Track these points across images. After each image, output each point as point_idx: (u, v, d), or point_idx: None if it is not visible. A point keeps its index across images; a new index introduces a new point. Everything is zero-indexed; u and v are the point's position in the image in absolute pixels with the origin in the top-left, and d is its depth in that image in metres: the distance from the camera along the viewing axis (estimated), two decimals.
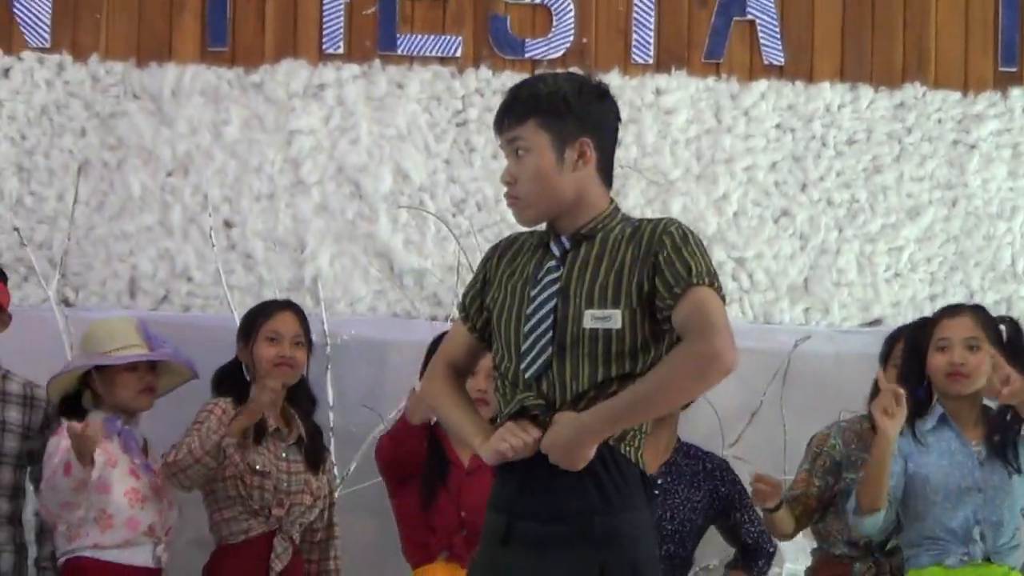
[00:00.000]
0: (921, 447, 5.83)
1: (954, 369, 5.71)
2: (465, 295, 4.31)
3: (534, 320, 3.93)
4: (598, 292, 3.89)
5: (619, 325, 3.94)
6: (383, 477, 6.06)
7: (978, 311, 5.90)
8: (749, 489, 6.12)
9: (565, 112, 4.07)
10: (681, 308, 3.86)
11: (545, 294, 3.94)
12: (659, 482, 6.07)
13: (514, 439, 4.03)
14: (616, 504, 3.99)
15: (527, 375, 3.93)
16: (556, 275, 3.95)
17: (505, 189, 4.27)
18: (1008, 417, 5.84)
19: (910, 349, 5.95)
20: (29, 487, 6.41)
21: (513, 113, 4.08)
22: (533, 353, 3.97)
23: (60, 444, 5.89)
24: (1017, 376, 5.56)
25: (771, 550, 6.28)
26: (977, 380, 5.70)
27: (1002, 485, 5.69)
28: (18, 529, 6.35)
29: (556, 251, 3.99)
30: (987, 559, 5.68)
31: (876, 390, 6.08)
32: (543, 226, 4.23)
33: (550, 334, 3.92)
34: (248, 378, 6.09)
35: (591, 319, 3.92)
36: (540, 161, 4.01)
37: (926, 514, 5.80)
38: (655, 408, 4.00)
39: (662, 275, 3.86)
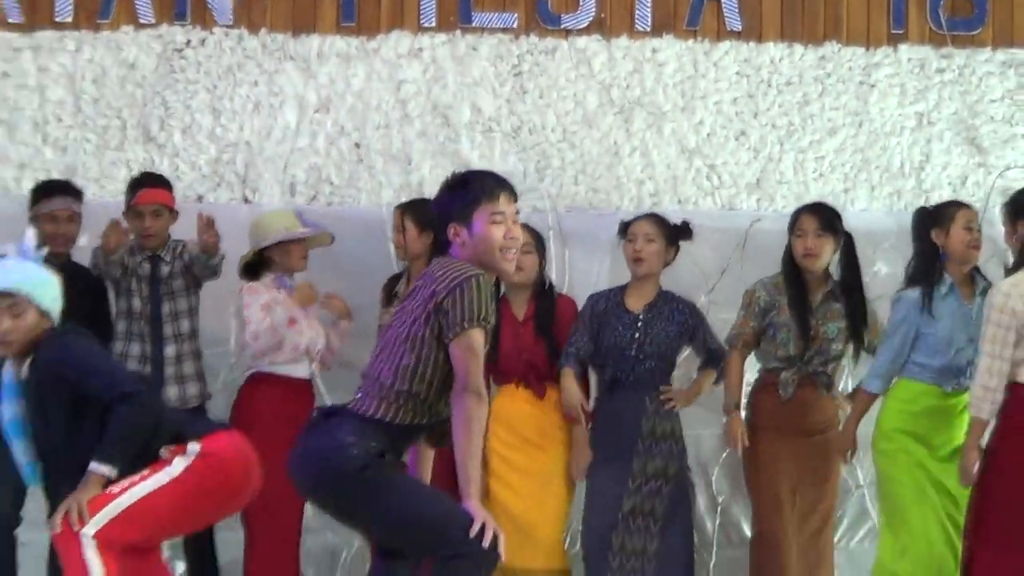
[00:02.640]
0: (930, 316, 6.69)
1: (976, 244, 6.72)
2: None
3: None
4: None
5: None
6: None
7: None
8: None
9: None
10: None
11: None
12: (641, 317, 6.97)
13: None
14: None
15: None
16: None
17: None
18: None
19: (924, 228, 6.83)
20: None
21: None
22: None
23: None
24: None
25: (721, 360, 7.05)
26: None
27: (978, 337, 6.47)
28: (199, 362, 7.27)
29: None
30: (965, 390, 6.63)
31: (789, 257, 6.93)
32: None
33: None
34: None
35: None
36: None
37: (933, 354, 6.69)
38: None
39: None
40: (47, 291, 5.70)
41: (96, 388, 5.57)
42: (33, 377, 5.68)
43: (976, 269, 6.87)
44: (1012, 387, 6.30)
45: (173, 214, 7.23)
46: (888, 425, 6.69)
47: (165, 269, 7.16)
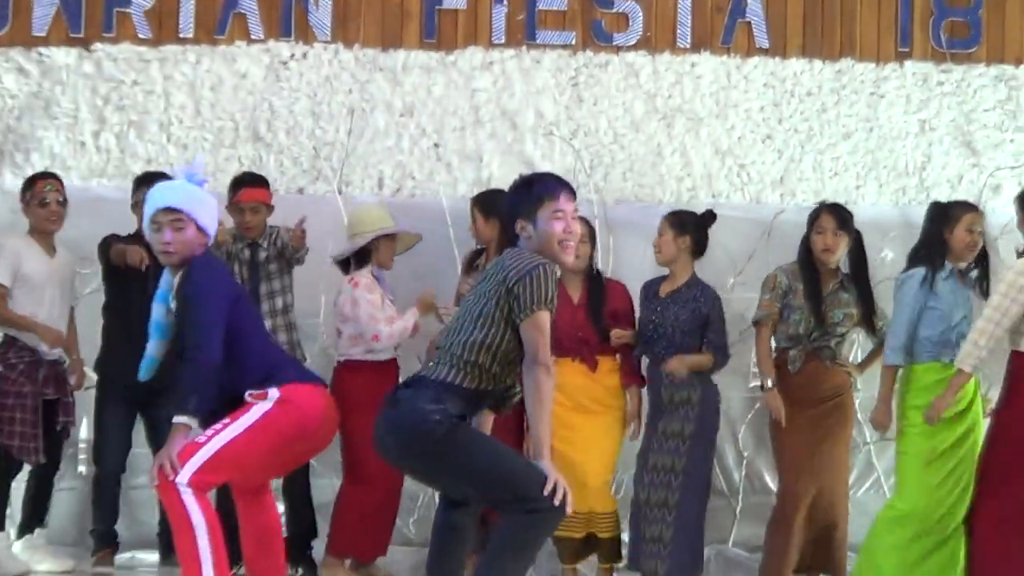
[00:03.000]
0: (934, 293, 6.92)
1: (973, 245, 7.01)
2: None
3: None
4: None
5: None
6: None
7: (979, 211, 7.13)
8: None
9: None
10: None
11: None
12: (663, 302, 7.28)
13: None
14: None
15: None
16: None
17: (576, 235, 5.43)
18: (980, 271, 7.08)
19: (933, 226, 7.07)
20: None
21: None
22: None
23: (409, 319, 7.19)
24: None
25: (721, 358, 7.27)
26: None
27: (972, 314, 6.91)
28: (292, 332, 7.67)
29: None
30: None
31: (806, 248, 7.19)
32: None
33: None
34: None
35: None
36: None
37: (935, 325, 6.95)
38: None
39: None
40: (205, 210, 5.90)
41: (186, 323, 5.78)
42: (180, 287, 5.87)
43: (978, 263, 7.15)
44: (1014, 355, 6.78)
45: (270, 209, 7.65)
46: (903, 405, 7.03)
47: (262, 255, 7.62)
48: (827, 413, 7.25)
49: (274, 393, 5.76)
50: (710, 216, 7.45)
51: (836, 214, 7.31)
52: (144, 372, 6.07)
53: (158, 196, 5.95)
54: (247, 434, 5.72)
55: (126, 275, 7.49)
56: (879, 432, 7.35)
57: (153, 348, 6.04)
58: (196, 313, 5.75)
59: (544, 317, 5.27)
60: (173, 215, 5.82)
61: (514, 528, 5.31)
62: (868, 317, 7.35)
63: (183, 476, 5.59)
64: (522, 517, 5.28)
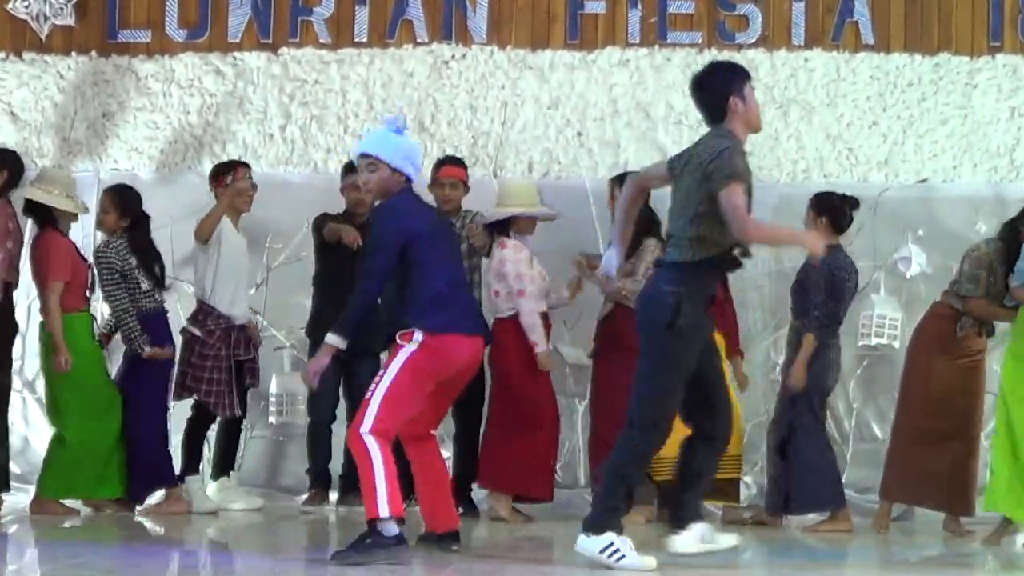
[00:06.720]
0: None
1: None
2: None
3: None
4: None
5: None
6: None
7: None
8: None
9: None
10: None
11: None
12: None
13: None
14: None
15: None
16: None
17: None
18: None
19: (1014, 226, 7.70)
20: None
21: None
22: None
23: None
24: None
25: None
26: None
27: None
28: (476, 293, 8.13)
29: None
30: None
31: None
32: None
33: None
34: None
35: None
36: None
37: None
38: None
39: None
40: (397, 153, 6.34)
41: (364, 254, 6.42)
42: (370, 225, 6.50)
43: None
44: None
45: (466, 188, 8.45)
46: None
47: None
48: None
49: (418, 336, 6.21)
50: (854, 202, 8.23)
51: None
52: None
53: (356, 145, 6.51)
54: (397, 376, 6.20)
55: (337, 251, 8.32)
56: None
57: None
58: (369, 258, 6.31)
59: (735, 188, 5.81)
60: (367, 160, 6.37)
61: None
62: None
63: (364, 427, 6.12)
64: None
